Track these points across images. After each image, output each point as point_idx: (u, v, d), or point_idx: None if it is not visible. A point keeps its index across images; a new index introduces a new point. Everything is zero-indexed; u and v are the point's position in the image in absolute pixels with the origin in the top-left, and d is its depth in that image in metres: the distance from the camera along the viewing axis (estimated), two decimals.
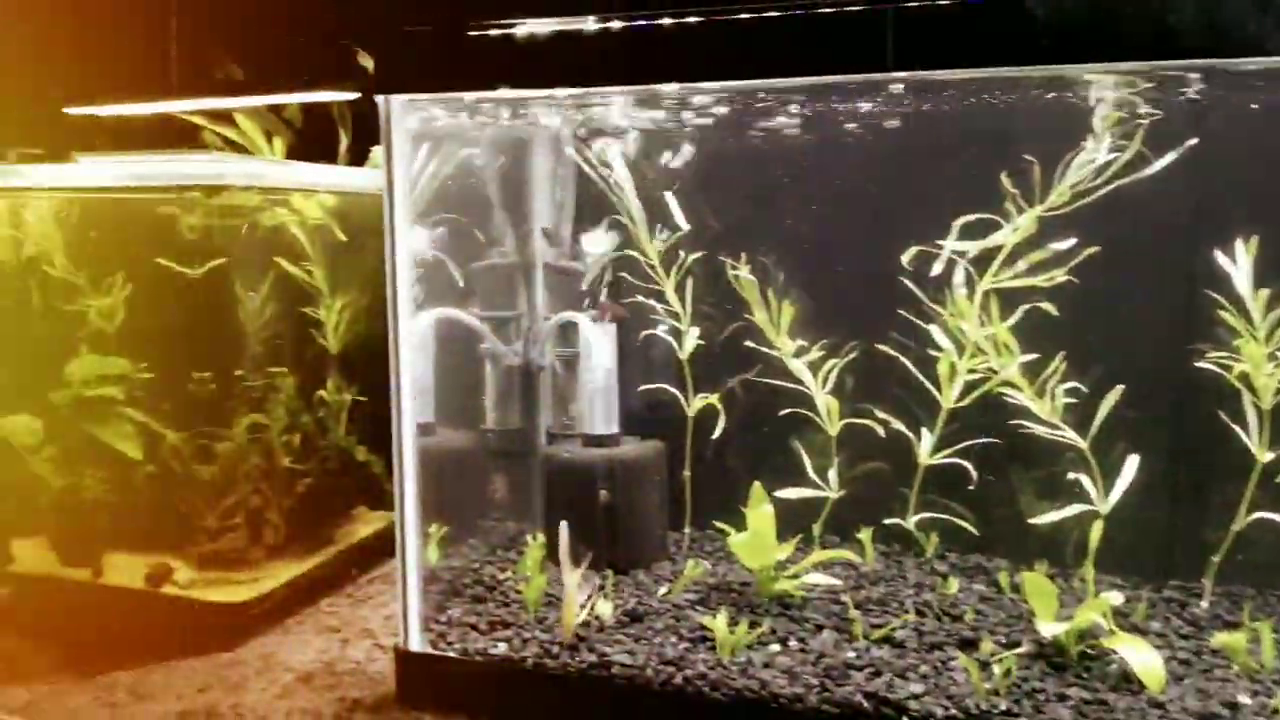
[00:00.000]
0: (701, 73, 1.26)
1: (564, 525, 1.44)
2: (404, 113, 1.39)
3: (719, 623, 1.41)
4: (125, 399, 1.70)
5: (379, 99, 1.38)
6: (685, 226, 1.67)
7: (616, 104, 1.60)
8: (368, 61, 1.98)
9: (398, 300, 1.41)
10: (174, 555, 1.70)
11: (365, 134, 2.11)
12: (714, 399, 1.69)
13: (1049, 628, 1.37)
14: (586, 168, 1.71)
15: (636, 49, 1.30)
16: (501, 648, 1.44)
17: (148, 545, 1.73)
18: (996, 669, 1.31)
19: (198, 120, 2.11)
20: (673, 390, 1.72)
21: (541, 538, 1.63)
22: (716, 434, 1.70)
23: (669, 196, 1.68)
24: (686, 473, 1.73)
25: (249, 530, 1.68)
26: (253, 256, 1.65)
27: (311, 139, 2.12)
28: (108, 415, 1.68)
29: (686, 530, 1.77)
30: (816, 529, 1.67)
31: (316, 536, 1.81)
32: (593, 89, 1.39)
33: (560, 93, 1.39)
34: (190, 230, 1.59)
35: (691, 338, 1.70)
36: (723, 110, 1.62)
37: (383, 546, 1.95)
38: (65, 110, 1.93)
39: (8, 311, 1.78)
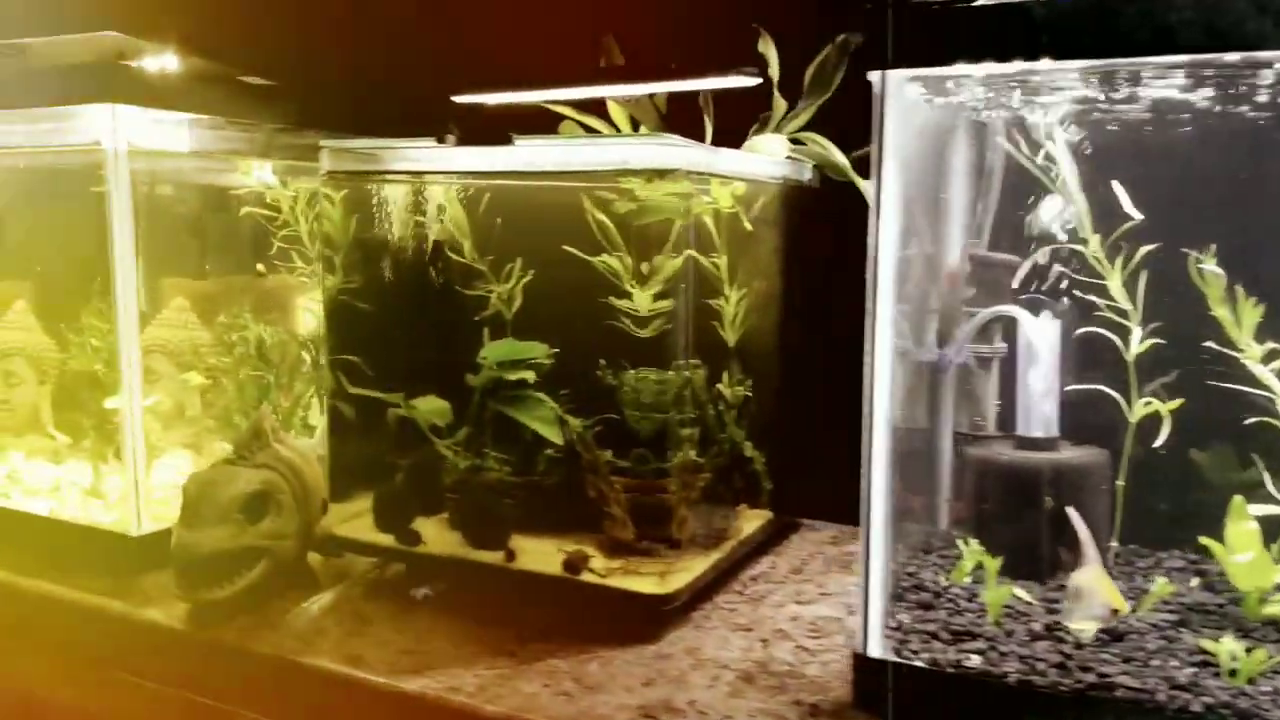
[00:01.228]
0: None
1: (1071, 511, 1.38)
2: (899, 91, 1.33)
3: (1232, 646, 1.29)
4: (536, 383, 1.70)
5: (873, 76, 1.32)
6: (1137, 216, 1.55)
7: (1070, 82, 1.50)
8: (767, 48, 1.94)
9: (878, 293, 1.35)
10: (581, 542, 1.68)
11: (727, 121, 2.07)
12: (1168, 405, 1.56)
13: None
14: (1022, 157, 1.61)
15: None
16: (975, 660, 1.36)
17: (549, 530, 1.73)
18: None
19: (562, 110, 2.12)
20: (1109, 391, 1.61)
21: (975, 543, 1.55)
22: (1160, 441, 1.58)
23: (1116, 185, 1.57)
24: (1120, 482, 1.61)
25: (664, 523, 1.65)
26: (679, 245, 1.62)
27: (675, 126, 2.10)
28: (524, 399, 1.68)
29: (1114, 544, 1.65)
30: (1276, 550, 1.52)
31: (712, 532, 1.77)
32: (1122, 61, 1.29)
33: (1099, 64, 1.29)
34: (627, 215, 1.57)
35: (1137, 337, 1.58)
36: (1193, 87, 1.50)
37: (764, 544, 1.91)
38: (452, 99, 1.95)
39: (417, 293, 1.81)
